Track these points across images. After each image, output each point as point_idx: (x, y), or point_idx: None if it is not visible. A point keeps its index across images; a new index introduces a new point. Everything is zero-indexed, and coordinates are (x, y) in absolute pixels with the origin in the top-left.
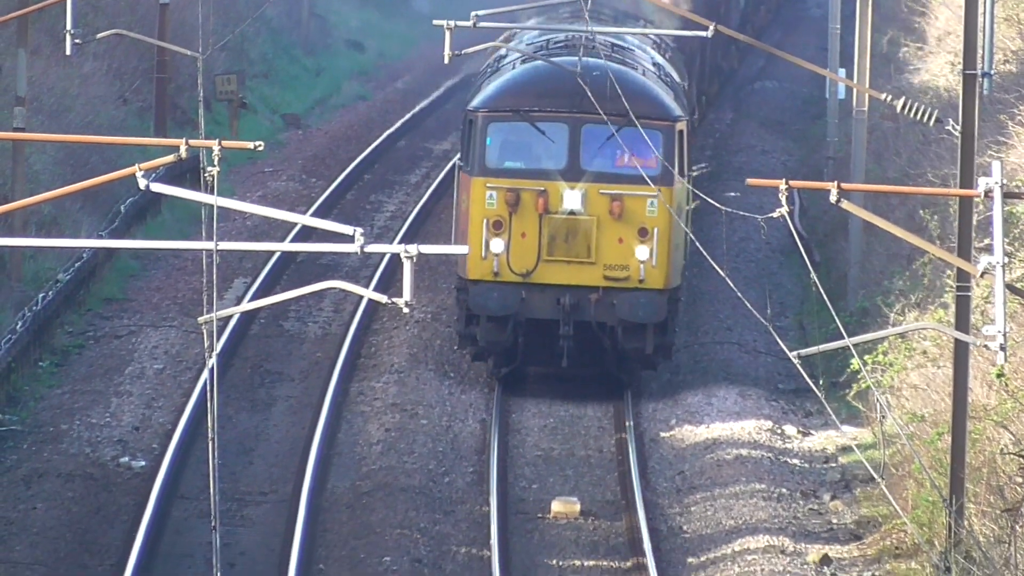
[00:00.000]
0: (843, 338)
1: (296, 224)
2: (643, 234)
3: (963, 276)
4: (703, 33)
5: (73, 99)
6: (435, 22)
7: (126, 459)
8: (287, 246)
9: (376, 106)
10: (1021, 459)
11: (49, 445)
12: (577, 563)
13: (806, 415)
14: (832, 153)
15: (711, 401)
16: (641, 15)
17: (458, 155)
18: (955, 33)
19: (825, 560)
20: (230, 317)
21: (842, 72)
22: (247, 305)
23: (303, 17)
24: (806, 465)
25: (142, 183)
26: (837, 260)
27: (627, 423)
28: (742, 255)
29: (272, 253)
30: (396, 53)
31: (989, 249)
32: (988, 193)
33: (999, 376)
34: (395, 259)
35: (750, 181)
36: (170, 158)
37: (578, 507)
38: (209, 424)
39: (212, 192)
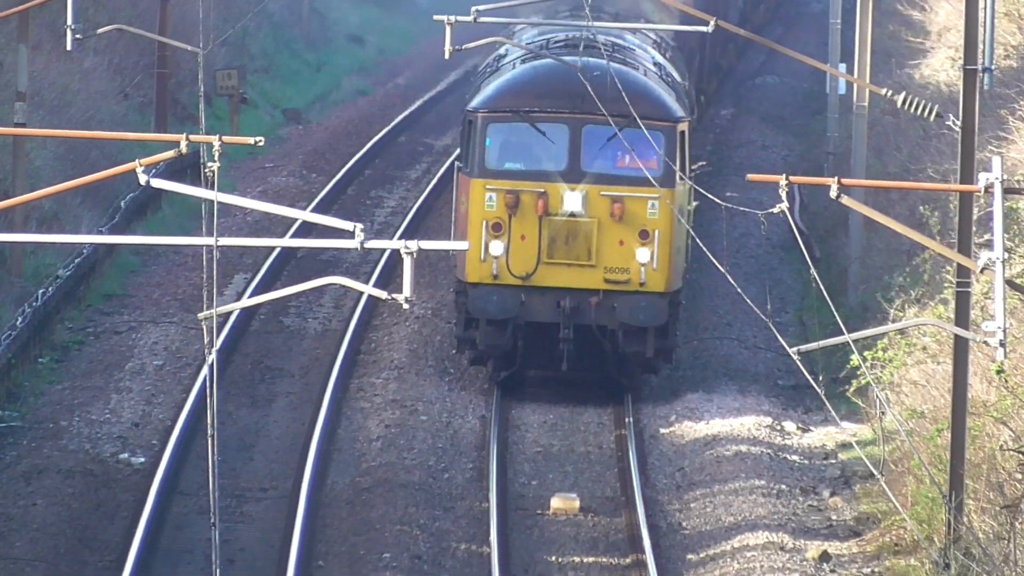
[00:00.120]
0: (843, 334)
1: (296, 220)
2: (644, 236)
3: (963, 272)
4: (704, 28)
5: (74, 94)
6: (435, 17)
7: (126, 455)
8: (287, 242)
9: (377, 101)
10: (1021, 455)
11: (49, 441)
12: (577, 559)
13: (806, 411)
14: (832, 148)
15: (711, 397)
16: (641, 13)
17: (456, 152)
18: (956, 28)
19: (824, 556)
20: (230, 313)
21: (842, 67)
22: (247, 301)
23: (304, 12)
24: (806, 461)
25: (142, 179)
26: (837, 256)
27: (627, 419)
28: (742, 251)
29: (272, 249)
30: (397, 48)
31: (989, 245)
32: (988, 188)
33: (999, 372)
34: (395, 255)
35: (750, 177)
36: (170, 153)
37: (578, 503)
38: (209, 420)
39: (212, 188)
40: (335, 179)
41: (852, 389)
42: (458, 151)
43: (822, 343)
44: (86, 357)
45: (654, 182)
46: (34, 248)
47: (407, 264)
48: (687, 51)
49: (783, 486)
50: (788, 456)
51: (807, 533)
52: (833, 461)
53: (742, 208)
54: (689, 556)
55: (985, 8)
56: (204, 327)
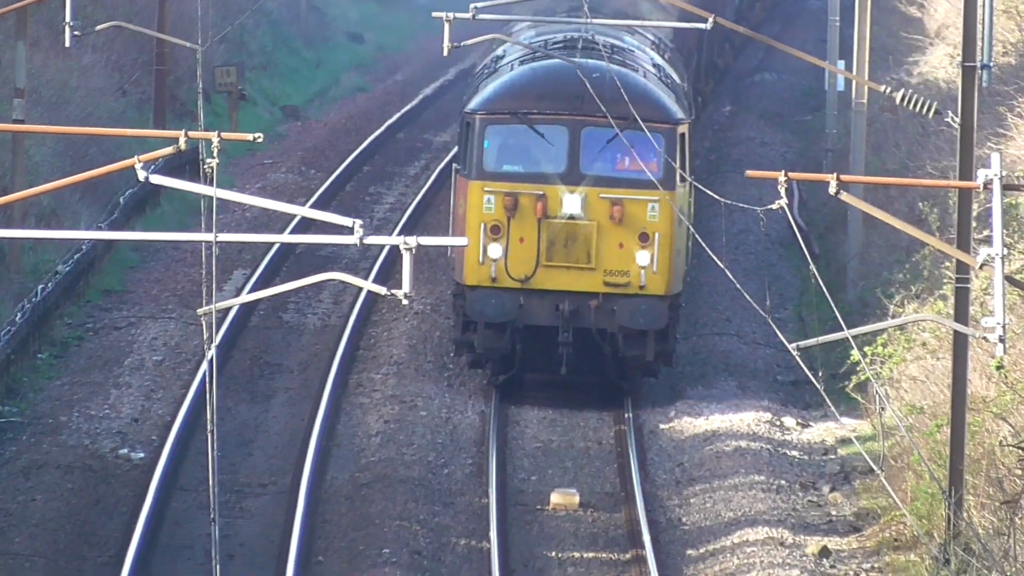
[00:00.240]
0: (842, 330)
1: (295, 216)
2: (644, 239)
3: (962, 268)
4: (702, 25)
5: (72, 91)
6: (434, 14)
7: (125, 451)
8: (286, 238)
9: (375, 98)
10: (1020, 451)
11: (48, 437)
12: (576, 555)
13: (805, 407)
14: (831, 145)
15: (710, 393)
16: (639, 14)
17: (454, 151)
18: (954, 25)
19: (824, 552)
20: (229, 309)
21: (841, 64)
22: (246, 297)
23: (302, 9)
24: (805, 457)
25: (141, 175)
26: (836, 252)
27: (626, 415)
28: (741, 247)
29: (271, 245)
30: (395, 45)
31: (988, 241)
32: (987, 185)
33: (998, 368)
34: (394, 251)
35: (749, 173)
36: (169, 150)
37: (577, 499)
38: (208, 416)
39: (211, 184)
40: (334, 175)
41: (851, 385)
42: (456, 150)
43: (821, 339)
44: (85, 353)
45: (657, 184)
46: (33, 244)
47: (406, 260)
48: (684, 51)
49: (783, 482)
50: (788, 452)
51: (807, 529)
52: (833, 457)
53: (741, 204)
54: (689, 551)
55: (984, 5)
56: (203, 323)
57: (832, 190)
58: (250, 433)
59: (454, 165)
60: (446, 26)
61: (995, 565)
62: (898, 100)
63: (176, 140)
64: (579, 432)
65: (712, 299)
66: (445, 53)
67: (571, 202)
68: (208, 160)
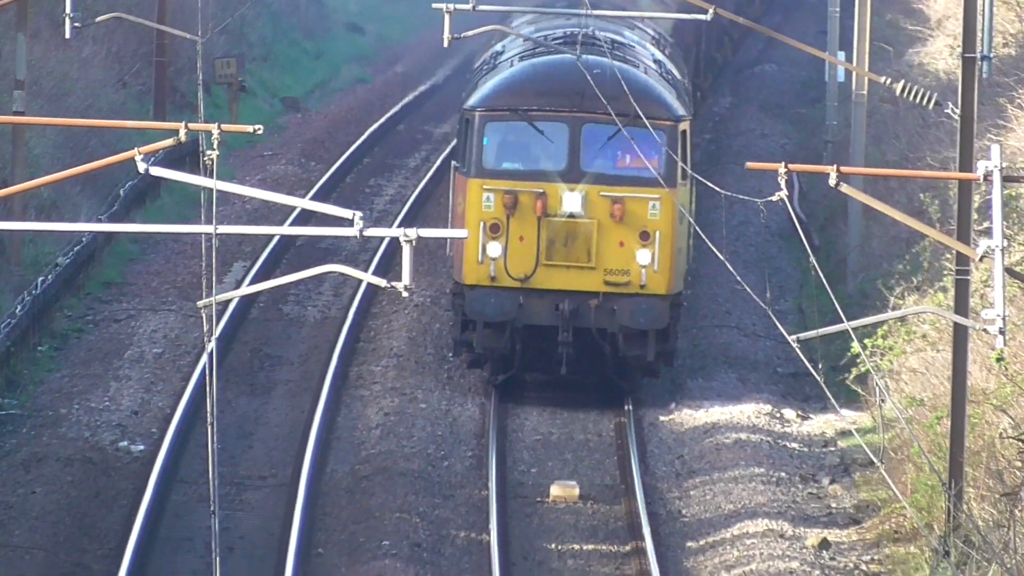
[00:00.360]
0: (842, 322)
1: (295, 208)
2: (645, 238)
3: (962, 260)
4: (702, 17)
5: (72, 83)
6: (434, 5)
7: (125, 443)
8: (286, 230)
9: (376, 89)
10: (1020, 443)
11: (48, 429)
12: (576, 547)
13: (805, 399)
14: (831, 136)
15: (710, 385)
16: (638, 7)
17: (453, 143)
18: (954, 16)
19: (824, 544)
20: (229, 301)
21: (841, 55)
22: (246, 289)
23: (302, 0)
24: (805, 449)
25: (141, 167)
26: (836, 244)
27: (626, 407)
28: (741, 239)
29: (271, 237)
30: (395, 36)
31: (988, 233)
32: (987, 176)
33: (998, 360)
34: (394, 243)
35: (749, 165)
36: (169, 142)
37: (577, 491)
38: (208, 408)
39: (211, 176)
40: (334, 167)
41: (852, 377)
42: (454, 142)
43: (821, 331)
44: (85, 345)
45: (661, 181)
46: (33, 236)
47: (406, 252)
48: (683, 46)
49: (783, 474)
50: (788, 444)
51: (807, 521)
52: (833, 449)
53: (741, 196)
54: (689, 544)
55: None
56: (203, 315)
57: (832, 182)
58: (250, 425)
59: (452, 162)
60: (446, 17)
61: (995, 557)
62: (898, 91)
63: (176, 132)
64: (579, 424)
65: (712, 291)
66: (445, 44)
67: (571, 200)
68: (208, 152)
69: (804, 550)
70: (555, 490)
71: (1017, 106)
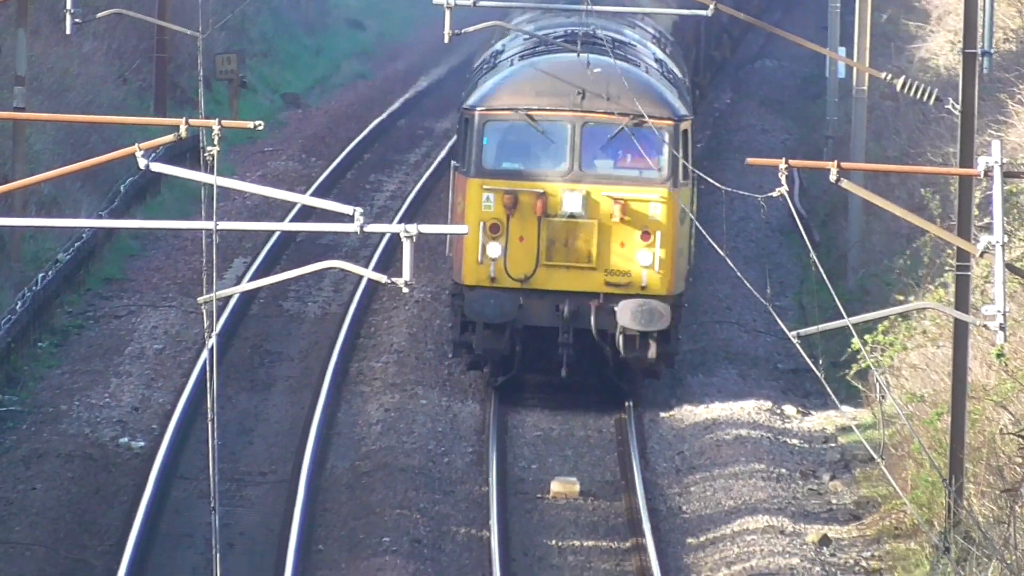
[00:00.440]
0: (842, 318)
1: (296, 204)
2: (646, 238)
3: (963, 255)
4: (703, 12)
5: (73, 79)
6: (435, 1)
7: (126, 439)
8: (287, 226)
9: (376, 85)
10: (1020, 439)
11: (48, 425)
12: (576, 543)
13: (805, 395)
14: (832, 132)
15: (711, 381)
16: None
17: (454, 139)
18: (955, 12)
19: (824, 540)
20: (230, 297)
21: (842, 51)
22: (247, 285)
23: None
24: (805, 445)
25: (142, 163)
26: (837, 240)
27: (626, 403)
28: (742, 235)
29: (272, 233)
30: (396, 32)
31: (989, 228)
32: (988, 172)
33: (999, 356)
34: (395, 239)
35: (750, 160)
36: (170, 138)
37: (577, 487)
38: (209, 404)
39: (212, 172)
40: (334, 163)
41: (852, 373)
42: (454, 139)
43: (822, 327)
44: (85, 341)
45: (665, 180)
46: (33, 232)
47: (406, 248)
48: (684, 45)
49: (783, 470)
50: (788, 440)
51: (807, 517)
52: (833, 445)
53: (741, 192)
54: (689, 540)
55: None
56: (204, 311)
57: (832, 177)
58: (250, 422)
59: (452, 162)
60: (447, 13)
61: (995, 553)
62: (899, 87)
63: (177, 128)
64: (579, 421)
65: (712, 287)
66: (446, 40)
67: (572, 200)
68: (209, 148)
69: (804, 546)
70: (555, 486)
71: (1018, 102)
